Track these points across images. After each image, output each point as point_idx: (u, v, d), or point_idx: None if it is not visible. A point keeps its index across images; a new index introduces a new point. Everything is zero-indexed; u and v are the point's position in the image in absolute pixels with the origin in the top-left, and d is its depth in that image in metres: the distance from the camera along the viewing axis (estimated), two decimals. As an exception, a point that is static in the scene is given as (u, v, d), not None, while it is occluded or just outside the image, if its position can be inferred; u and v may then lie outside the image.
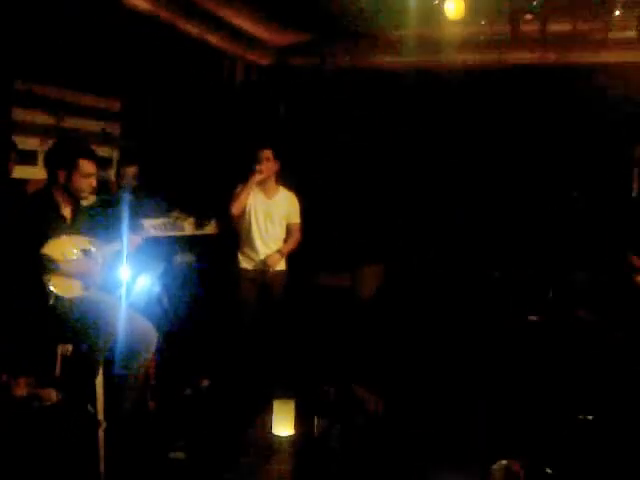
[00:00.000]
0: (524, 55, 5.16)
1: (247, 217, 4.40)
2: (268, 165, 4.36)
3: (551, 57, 5.08)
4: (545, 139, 5.14)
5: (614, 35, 4.68)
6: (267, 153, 4.36)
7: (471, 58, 5.22)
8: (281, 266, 4.49)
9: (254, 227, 4.39)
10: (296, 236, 4.54)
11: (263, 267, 4.39)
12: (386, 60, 5.48)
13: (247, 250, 4.43)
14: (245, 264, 4.44)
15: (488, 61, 5.20)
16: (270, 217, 4.41)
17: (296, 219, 4.54)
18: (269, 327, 4.34)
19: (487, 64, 5.21)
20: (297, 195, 4.58)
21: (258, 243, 4.40)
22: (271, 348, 4.29)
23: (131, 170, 4.51)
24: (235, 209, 4.34)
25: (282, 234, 4.49)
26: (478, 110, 5.28)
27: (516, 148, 5.18)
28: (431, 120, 5.37)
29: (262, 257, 4.39)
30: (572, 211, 4.80)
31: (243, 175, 4.39)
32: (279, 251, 4.43)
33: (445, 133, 5.33)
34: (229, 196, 4.38)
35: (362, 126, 5.49)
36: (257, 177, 4.33)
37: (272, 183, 4.47)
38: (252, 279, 4.40)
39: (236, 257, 4.47)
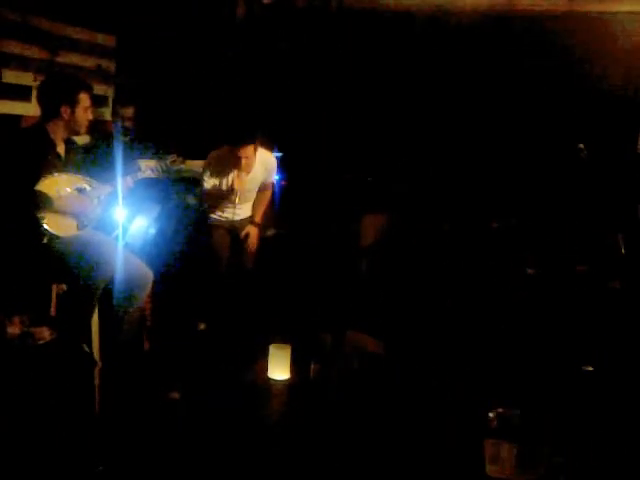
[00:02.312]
0: (536, 1, 5.03)
1: (224, 188, 4.13)
2: (251, 162, 4.03)
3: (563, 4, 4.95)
4: (553, 88, 5.03)
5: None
6: (248, 151, 3.97)
7: (480, 2, 5.07)
8: (247, 213, 4.34)
9: (231, 197, 4.12)
10: (268, 194, 4.39)
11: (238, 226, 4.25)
12: (392, 2, 5.32)
13: (218, 211, 4.24)
14: (215, 219, 4.26)
15: (498, 6, 5.06)
16: (249, 188, 4.20)
17: (272, 179, 4.37)
18: (247, 275, 4.24)
19: (497, 10, 5.06)
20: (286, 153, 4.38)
21: (231, 208, 4.19)
22: (265, 294, 4.25)
23: (128, 111, 4.42)
24: None
25: (255, 191, 4.32)
26: (484, 57, 5.14)
27: (524, 95, 5.07)
28: (437, 66, 5.23)
29: (235, 217, 4.22)
30: (576, 163, 4.72)
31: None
32: (255, 223, 4.28)
33: (450, 79, 5.20)
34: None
35: (365, 69, 5.35)
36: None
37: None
38: (224, 228, 4.23)
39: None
